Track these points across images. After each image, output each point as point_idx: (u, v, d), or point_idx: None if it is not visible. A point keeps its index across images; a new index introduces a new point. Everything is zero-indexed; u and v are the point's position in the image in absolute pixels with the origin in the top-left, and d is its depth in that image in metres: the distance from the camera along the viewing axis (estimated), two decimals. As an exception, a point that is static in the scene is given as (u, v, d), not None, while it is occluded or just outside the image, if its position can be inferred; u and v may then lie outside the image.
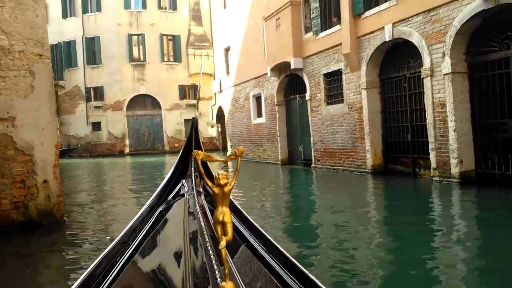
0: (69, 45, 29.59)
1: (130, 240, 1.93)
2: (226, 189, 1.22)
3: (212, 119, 30.24)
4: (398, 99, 10.26)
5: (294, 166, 14.36)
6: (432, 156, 8.82)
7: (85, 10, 29.03)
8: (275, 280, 1.55)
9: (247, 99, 17.62)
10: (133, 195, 9.84)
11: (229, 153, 18.99)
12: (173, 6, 29.82)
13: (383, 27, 9.87)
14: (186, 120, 30.11)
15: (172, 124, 29.81)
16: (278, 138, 15.16)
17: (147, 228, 2.01)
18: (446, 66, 8.29)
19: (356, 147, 11.10)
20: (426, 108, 8.94)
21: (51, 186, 6.60)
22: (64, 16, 29.63)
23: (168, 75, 29.59)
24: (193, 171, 2.37)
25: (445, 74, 8.35)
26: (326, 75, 12.17)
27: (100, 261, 1.67)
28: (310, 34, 12.70)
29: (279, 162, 15.11)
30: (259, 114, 16.92)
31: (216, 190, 1.23)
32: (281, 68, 14.25)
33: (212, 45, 30.12)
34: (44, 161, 6.57)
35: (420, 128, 9.48)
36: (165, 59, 29.73)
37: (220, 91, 20.49)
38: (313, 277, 1.48)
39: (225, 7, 19.58)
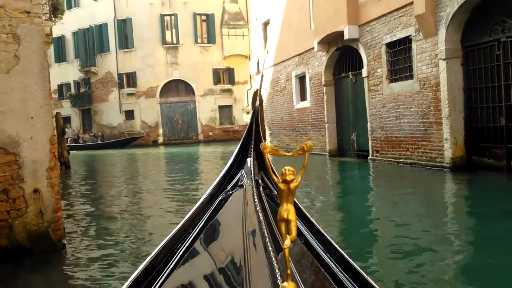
0: (101, 29, 28.41)
1: (190, 228, 1.91)
2: (292, 185, 1.19)
3: (248, 105, 28.37)
4: (488, 71, 7.84)
5: (345, 158, 12.08)
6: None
7: (116, -9, 27.63)
8: (331, 281, 1.54)
9: (288, 79, 15.40)
10: (171, 204, 7.30)
11: (267, 142, 16.91)
12: (207, -18, 27.84)
13: (472, -23, 7.43)
14: (220, 107, 28.32)
15: (207, 111, 28.08)
16: (326, 124, 12.89)
17: (206, 217, 2.00)
18: None
19: (429, 135, 8.72)
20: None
21: (45, 198, 4.71)
22: (95, -3, 28.40)
23: (202, 57, 27.81)
24: (252, 162, 2.25)
25: None
26: (389, 45, 9.77)
27: (162, 248, 1.66)
28: (369, -5, 10.32)
29: (327, 153, 12.87)
30: (303, 97, 14.68)
31: (281, 186, 1.20)
32: (331, 40, 11.92)
33: (248, 23, 28.11)
34: (35, 162, 4.70)
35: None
36: (199, 40, 27.97)
37: (258, 72, 18.35)
38: (371, 281, 1.43)
39: (263, -25, 17.31)
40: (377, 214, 5.81)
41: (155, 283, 1.55)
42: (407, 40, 9.18)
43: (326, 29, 11.66)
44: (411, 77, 9.13)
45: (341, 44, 11.58)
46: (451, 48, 8.18)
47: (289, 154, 1.31)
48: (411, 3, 8.80)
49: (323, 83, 12.87)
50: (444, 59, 8.16)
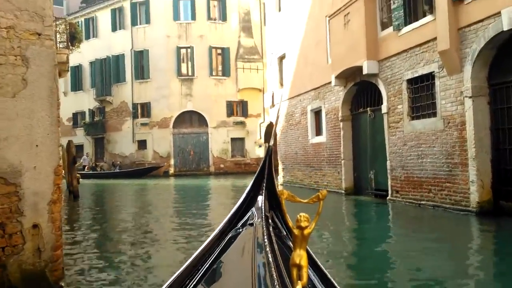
0: (118, 59, 28.79)
1: (199, 265, 1.92)
2: (306, 231, 1.20)
3: (260, 138, 28.13)
4: (517, 111, 7.41)
5: (361, 196, 11.55)
6: None
7: (134, 23, 28.18)
8: None
9: (304, 114, 15.10)
10: (179, 245, 6.99)
11: (280, 177, 16.48)
12: (223, 17, 28.22)
13: (499, 12, 7.15)
14: (232, 139, 28.08)
15: (219, 143, 27.83)
16: (343, 161, 12.45)
17: (216, 254, 2.01)
18: None
19: (454, 176, 8.22)
20: None
21: (44, 234, 4.35)
22: (114, 29, 28.98)
23: (216, 90, 27.82)
24: (263, 200, 2.28)
25: None
26: (410, 81, 9.44)
27: (171, 283, 1.69)
28: (389, 30, 10.09)
29: (343, 191, 12.36)
30: (318, 132, 14.33)
31: (296, 231, 1.23)
32: (349, 75, 11.65)
33: (262, 58, 28.26)
34: (36, 194, 4.37)
35: None
36: (214, 73, 28.06)
37: (273, 105, 18.13)
38: None
39: (280, 9, 17.33)
40: (398, 265, 5.29)
41: None
42: (430, 76, 8.84)
43: (343, 64, 11.41)
44: (434, 114, 8.72)
45: (359, 79, 11.30)
46: (477, 85, 7.81)
47: (305, 201, 1.33)
48: (434, 39, 8.52)
49: (340, 118, 12.52)
50: (470, 97, 7.77)
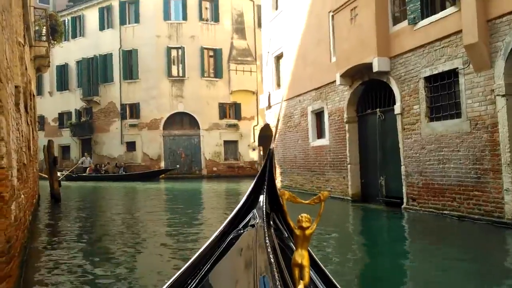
0: (105, 59, 27.73)
1: (201, 265, 1.92)
2: (307, 232, 1.20)
3: (254, 141, 27.27)
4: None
5: (370, 204, 10.68)
6: None
7: (122, 22, 27.18)
8: None
9: (303, 115, 14.23)
10: (164, 262, 6.41)
11: (278, 181, 15.56)
12: (215, 18, 27.31)
13: (536, 1, 6.35)
14: (225, 142, 27.13)
15: (211, 145, 26.85)
16: (349, 165, 11.59)
17: (217, 255, 1.99)
18: None
19: (484, 184, 7.38)
20: None
21: None
22: (101, 28, 27.93)
23: (208, 92, 26.87)
24: (264, 202, 2.30)
25: None
26: (429, 79, 8.61)
27: (172, 283, 1.68)
28: (403, 24, 9.27)
29: (349, 198, 11.50)
30: (320, 135, 13.47)
31: (297, 232, 1.21)
32: (356, 73, 10.81)
33: (255, 60, 27.37)
34: None
35: None
36: (205, 74, 27.11)
37: (269, 106, 17.24)
38: None
39: (277, 7, 16.47)
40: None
41: None
42: (452, 74, 8.02)
43: (350, 62, 10.57)
44: (458, 115, 7.90)
45: (368, 77, 10.47)
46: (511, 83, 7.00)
47: (306, 202, 1.37)
48: (458, 32, 7.71)
49: (345, 120, 11.67)
50: (503, 96, 6.95)
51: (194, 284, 1.76)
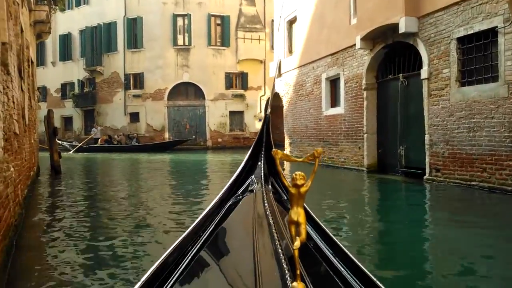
0: (110, 27, 26.85)
1: (201, 231, 1.91)
2: (302, 189, 1.20)
3: (260, 112, 26.64)
4: None
5: (388, 176, 10.14)
6: None
7: (128, -13, 26.07)
8: (340, 284, 1.54)
9: (317, 83, 13.57)
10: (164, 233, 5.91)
11: (287, 151, 15.02)
12: (223, -18, 26.22)
13: None
14: (231, 112, 26.50)
15: (216, 116, 26.26)
16: (365, 135, 11.01)
17: (216, 221, 2.00)
18: None
19: (518, 153, 6.82)
20: None
21: None
22: (106, -6, 26.85)
23: (214, 61, 26.08)
24: (262, 167, 2.32)
25: None
26: (462, 40, 7.92)
27: (173, 249, 1.66)
28: (434, -20, 8.52)
29: (365, 169, 10.97)
30: (334, 103, 12.84)
31: (292, 190, 1.22)
32: (379, 36, 10.11)
33: (265, 27, 26.43)
34: None
35: None
36: (212, 43, 26.26)
37: (279, 75, 16.54)
38: (381, 285, 1.42)
39: (291, -32, 15.60)
40: (439, 253, 3.90)
41: (167, 284, 1.52)
42: (490, 33, 7.33)
43: (374, 23, 9.85)
44: (494, 79, 7.25)
45: (392, 40, 9.77)
46: (557, 42, 6.34)
47: (300, 160, 1.32)
48: (498, -14, 6.99)
49: (363, 87, 11.02)
50: (548, 56, 6.31)
51: (194, 251, 1.74)
